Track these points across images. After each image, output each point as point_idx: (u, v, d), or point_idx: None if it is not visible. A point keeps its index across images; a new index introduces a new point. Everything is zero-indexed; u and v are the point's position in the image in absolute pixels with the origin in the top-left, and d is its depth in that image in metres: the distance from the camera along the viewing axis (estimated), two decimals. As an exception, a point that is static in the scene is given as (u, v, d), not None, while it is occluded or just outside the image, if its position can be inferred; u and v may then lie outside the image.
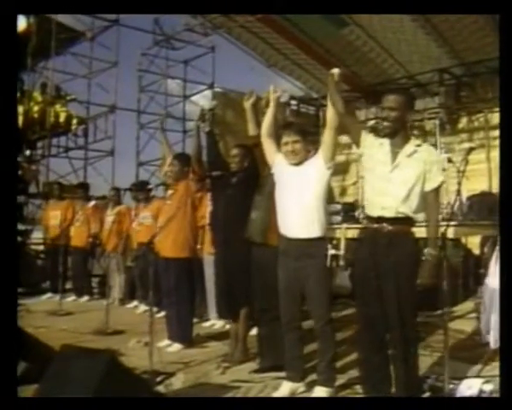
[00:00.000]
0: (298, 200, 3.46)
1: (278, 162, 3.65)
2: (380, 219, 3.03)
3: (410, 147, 3.04)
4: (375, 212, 3.08)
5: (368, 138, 3.15)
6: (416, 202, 3.01)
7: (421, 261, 3.00)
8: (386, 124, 3.06)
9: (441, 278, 3.04)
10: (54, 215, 8.50)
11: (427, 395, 3.20)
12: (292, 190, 3.51)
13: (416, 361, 3.04)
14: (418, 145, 3.06)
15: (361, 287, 3.16)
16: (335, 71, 3.32)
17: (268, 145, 3.73)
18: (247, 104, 4.05)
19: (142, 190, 7.25)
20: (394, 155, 3.05)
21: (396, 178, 3.01)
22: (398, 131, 3.06)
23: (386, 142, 3.08)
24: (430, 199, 3.04)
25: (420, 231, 3.18)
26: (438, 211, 3.17)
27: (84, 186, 8.87)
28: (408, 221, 3.03)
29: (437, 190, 3.07)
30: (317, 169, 3.48)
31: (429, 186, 3.03)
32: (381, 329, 3.03)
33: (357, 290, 3.24)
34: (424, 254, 3.00)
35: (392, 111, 3.03)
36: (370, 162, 3.13)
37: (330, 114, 3.39)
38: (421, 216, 3.05)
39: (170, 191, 5.15)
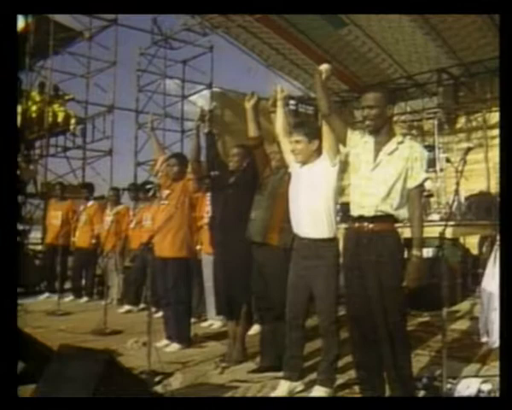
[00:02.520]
0: (307, 199, 3.48)
1: (292, 162, 3.69)
2: (360, 219, 3.02)
3: (391, 144, 3.02)
4: (355, 211, 3.06)
5: (353, 137, 3.15)
6: (398, 199, 2.97)
7: (406, 262, 2.97)
8: (367, 122, 3.06)
9: (440, 278, 3.03)
10: (55, 215, 8.49)
11: (422, 394, 3.19)
12: (302, 189, 3.54)
13: (406, 361, 2.99)
14: (400, 142, 3.02)
15: (347, 287, 3.15)
16: (324, 67, 3.27)
17: (284, 145, 3.77)
18: (248, 105, 4.04)
19: (142, 190, 7.23)
20: (377, 153, 3.03)
21: (377, 177, 2.99)
22: (381, 128, 3.04)
23: (370, 140, 3.08)
24: (413, 196, 2.99)
25: (407, 232, 3.11)
26: (421, 209, 3.11)
27: (88, 186, 8.85)
28: (389, 219, 2.99)
29: (420, 188, 3.03)
30: (323, 168, 3.50)
31: (412, 183, 2.98)
32: (369, 329, 3.00)
33: (344, 291, 3.22)
34: (409, 255, 2.97)
35: (372, 109, 3.02)
36: (356, 161, 3.12)
37: None
38: (403, 212, 3.01)
39: (166, 191, 5.12)
